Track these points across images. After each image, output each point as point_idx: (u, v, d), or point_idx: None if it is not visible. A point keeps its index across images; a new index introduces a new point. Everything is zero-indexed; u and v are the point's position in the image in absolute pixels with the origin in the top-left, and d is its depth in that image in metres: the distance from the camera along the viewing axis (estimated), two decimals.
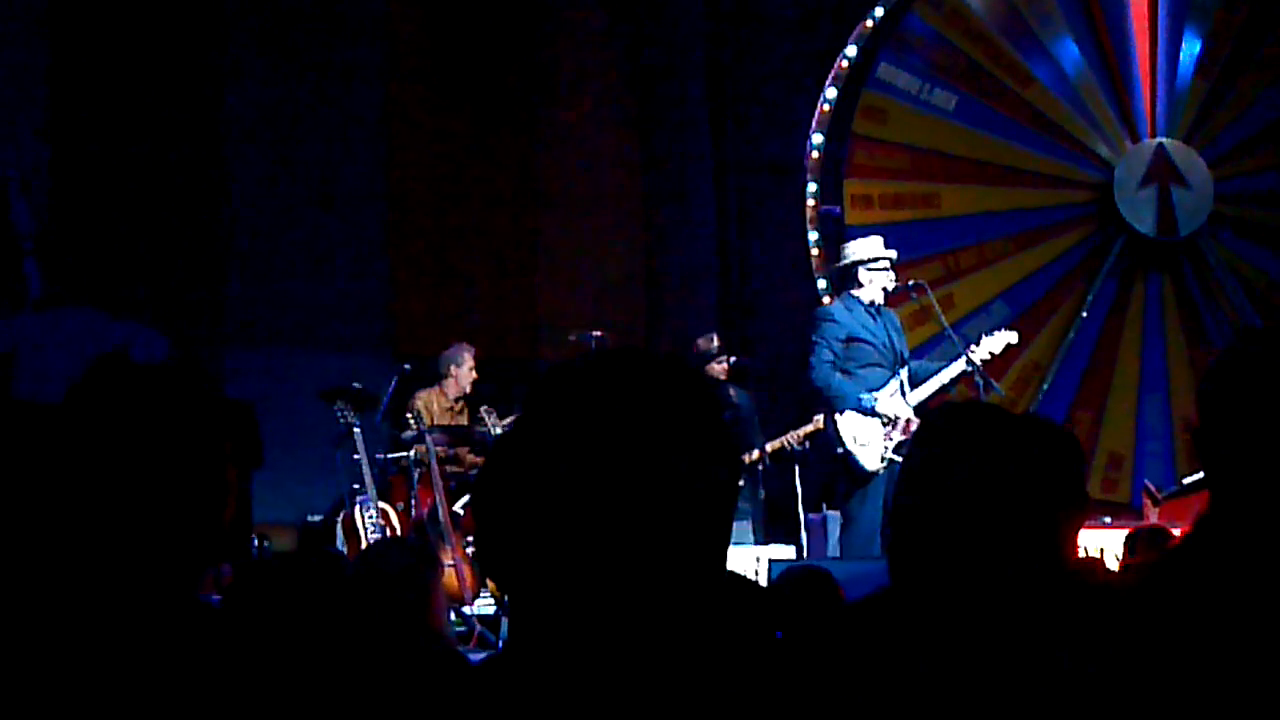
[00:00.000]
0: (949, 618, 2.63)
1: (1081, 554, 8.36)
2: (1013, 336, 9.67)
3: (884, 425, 9.31)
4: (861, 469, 9.31)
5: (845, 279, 9.72)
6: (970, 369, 9.54)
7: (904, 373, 9.52)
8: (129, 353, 7.86)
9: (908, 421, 9.33)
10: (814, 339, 9.42)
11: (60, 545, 2.31)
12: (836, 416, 9.35)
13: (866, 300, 9.56)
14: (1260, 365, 2.75)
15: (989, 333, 9.72)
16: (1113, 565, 8.54)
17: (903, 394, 9.45)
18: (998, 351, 9.60)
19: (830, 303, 9.92)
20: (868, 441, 9.30)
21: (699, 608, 1.93)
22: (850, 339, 9.44)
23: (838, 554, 9.87)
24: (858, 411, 9.32)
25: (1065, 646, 2.56)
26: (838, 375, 9.37)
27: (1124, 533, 9.15)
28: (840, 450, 9.34)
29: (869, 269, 9.58)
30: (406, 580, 4.94)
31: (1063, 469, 3.19)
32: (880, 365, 9.49)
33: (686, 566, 1.91)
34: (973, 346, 9.58)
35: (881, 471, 9.29)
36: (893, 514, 2.78)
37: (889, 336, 9.59)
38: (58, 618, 2.23)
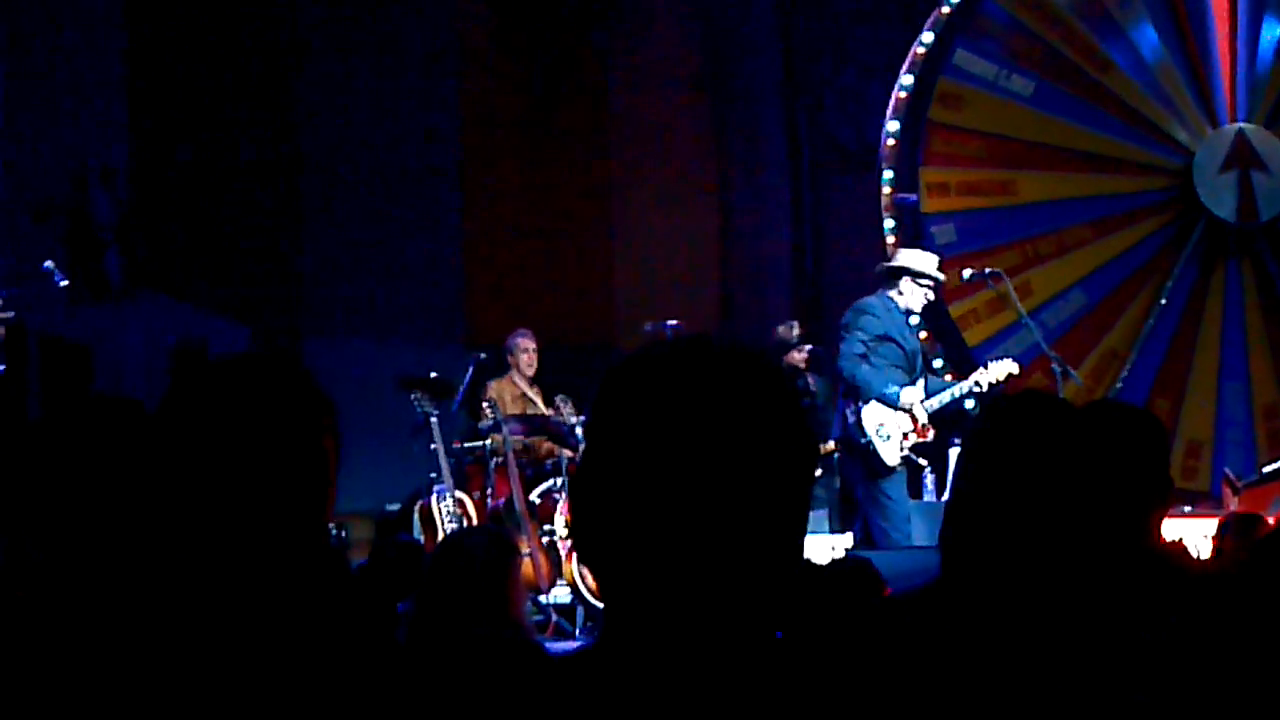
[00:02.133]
0: (1014, 608, 2.60)
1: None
2: (1014, 367, 9.55)
3: (906, 425, 9.29)
4: (881, 463, 9.29)
5: (890, 279, 9.65)
6: (976, 391, 9.49)
7: (920, 383, 9.50)
8: (208, 345, 7.93)
9: (924, 427, 9.32)
10: (849, 328, 9.41)
11: (158, 545, 2.32)
12: (862, 408, 9.32)
13: (904, 307, 9.54)
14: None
15: (996, 358, 9.64)
16: (1195, 553, 8.47)
17: (921, 402, 9.43)
18: (1001, 379, 9.49)
19: (871, 296, 9.84)
20: (889, 436, 9.29)
21: (777, 594, 1.92)
22: (883, 337, 9.41)
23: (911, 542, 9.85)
24: (881, 402, 9.29)
25: (1152, 628, 2.54)
26: (864, 365, 9.34)
27: (1204, 522, 9.09)
28: (863, 441, 9.31)
29: (916, 281, 9.54)
30: (487, 568, 4.95)
31: (1143, 452, 3.17)
32: (904, 369, 9.46)
33: (767, 552, 1.91)
34: (981, 369, 9.52)
35: (899, 469, 9.30)
36: (952, 503, 2.75)
37: (916, 346, 9.60)
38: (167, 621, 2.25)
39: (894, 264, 9.70)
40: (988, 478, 2.65)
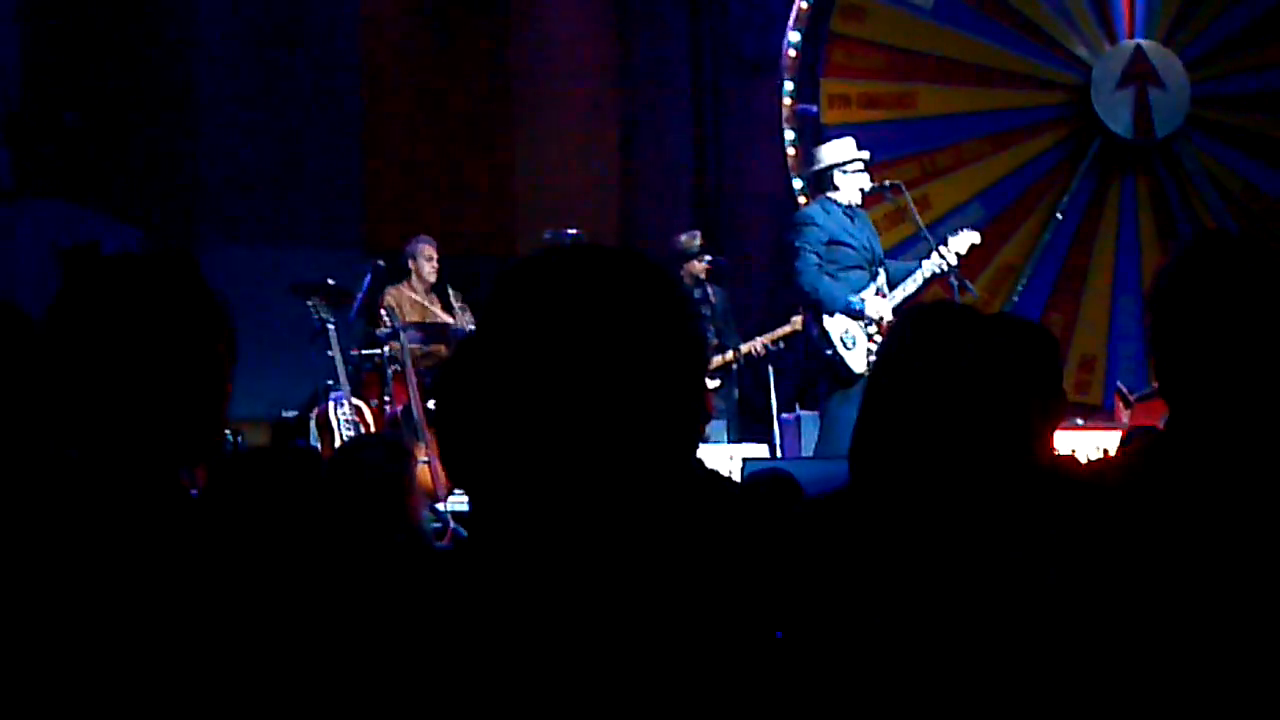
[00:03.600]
0: (912, 513, 2.64)
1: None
2: (975, 237, 9.65)
3: (867, 327, 9.32)
4: (848, 370, 9.30)
5: (820, 183, 9.68)
6: (943, 269, 9.54)
7: (881, 275, 9.52)
8: (100, 248, 7.81)
9: (888, 324, 9.33)
10: (796, 244, 9.37)
11: (54, 442, 2.30)
12: (825, 318, 9.32)
13: (844, 202, 9.53)
14: (1207, 271, 2.76)
15: (954, 233, 9.71)
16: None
17: (881, 295, 9.45)
18: (964, 251, 9.58)
19: (809, 204, 9.88)
20: (854, 343, 9.30)
21: (664, 501, 1.93)
22: (831, 242, 9.40)
23: (810, 455, 9.91)
24: (846, 314, 9.31)
25: (1034, 540, 2.58)
26: (825, 279, 9.34)
27: (1098, 434, 9.22)
28: (829, 352, 9.31)
29: (843, 171, 9.54)
30: (381, 476, 4.96)
31: (1036, 365, 3.21)
32: (860, 268, 9.47)
33: (652, 462, 1.92)
34: (940, 247, 9.56)
35: (865, 374, 9.28)
36: (860, 412, 2.79)
37: (866, 239, 9.57)
38: (55, 509, 2.23)
39: (819, 166, 9.69)
40: (894, 387, 2.69)
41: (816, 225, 9.39)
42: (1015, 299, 11.96)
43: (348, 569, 2.42)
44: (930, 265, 9.55)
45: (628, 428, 1.88)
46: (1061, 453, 3.40)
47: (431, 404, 10.28)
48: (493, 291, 1.94)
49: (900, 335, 2.82)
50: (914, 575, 2.51)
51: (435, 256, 11.02)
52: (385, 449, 5.26)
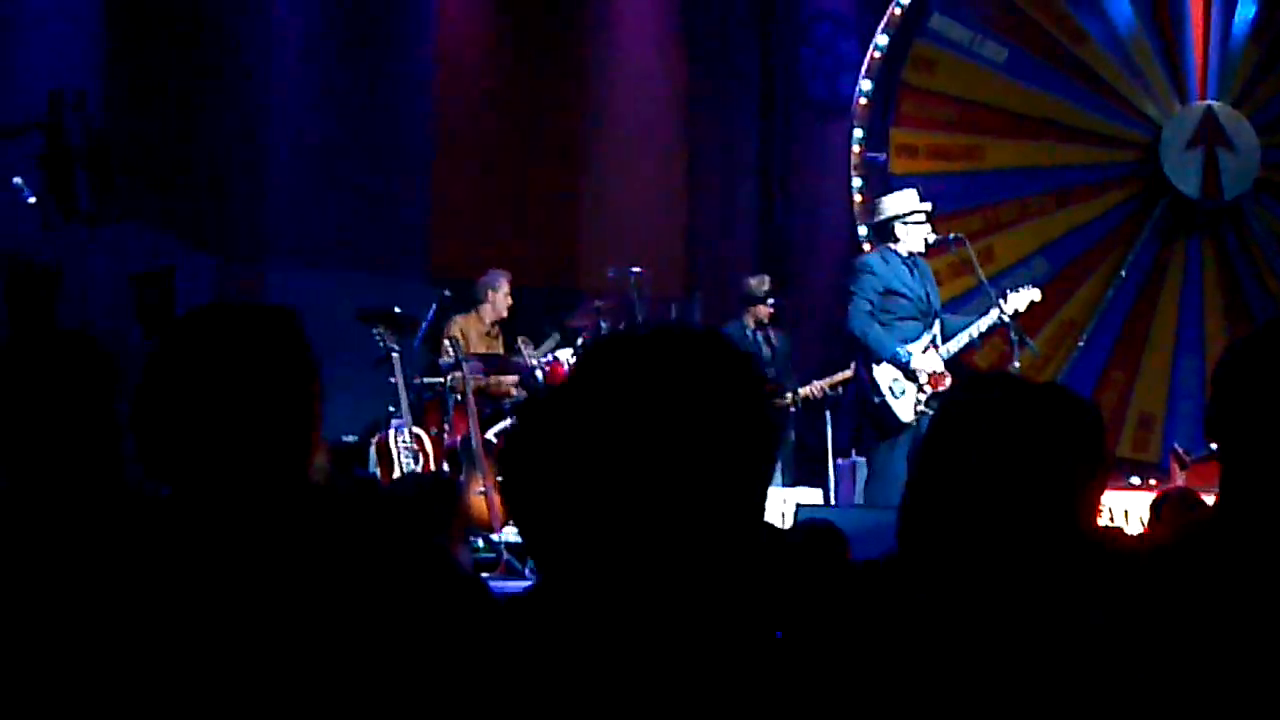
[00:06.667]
0: (958, 583, 2.70)
1: (1105, 520, 8.45)
2: (1036, 294, 9.65)
3: (916, 380, 9.35)
4: (895, 419, 9.33)
5: (882, 233, 9.74)
6: (1001, 322, 9.55)
7: (937, 326, 9.56)
8: (173, 274, 7.94)
9: (939, 375, 9.38)
10: (852, 289, 9.45)
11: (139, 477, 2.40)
12: (874, 367, 9.37)
13: (904, 253, 9.58)
14: (1274, 351, 2.84)
15: (1015, 289, 9.72)
16: (1137, 528, 8.62)
17: (935, 347, 9.49)
18: (1023, 308, 9.59)
19: (870, 251, 9.96)
20: (902, 392, 9.34)
21: (725, 563, 2.01)
22: (888, 291, 9.45)
23: (862, 501, 9.96)
24: (893, 364, 9.35)
25: (1080, 611, 2.63)
26: (875, 326, 9.39)
27: (1150, 495, 9.21)
28: (876, 400, 9.36)
29: (905, 223, 9.60)
30: (429, 517, 5.01)
31: (1080, 435, 3.26)
32: (915, 319, 9.51)
33: (720, 530, 2.00)
34: (1000, 302, 9.58)
35: (913, 424, 9.32)
36: (908, 481, 2.84)
37: (924, 290, 9.61)
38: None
39: (881, 217, 9.75)
40: (943, 456, 2.75)
41: (873, 273, 9.46)
42: (1076, 356, 11.97)
43: (394, 597, 2.50)
44: (988, 320, 9.57)
45: (695, 502, 1.96)
46: (1108, 524, 3.44)
47: (493, 434, 10.38)
48: (580, 361, 2.04)
49: (951, 401, 2.88)
50: (954, 649, 2.56)
51: (509, 292, 11.12)
52: (435, 484, 5.33)
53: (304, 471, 2.48)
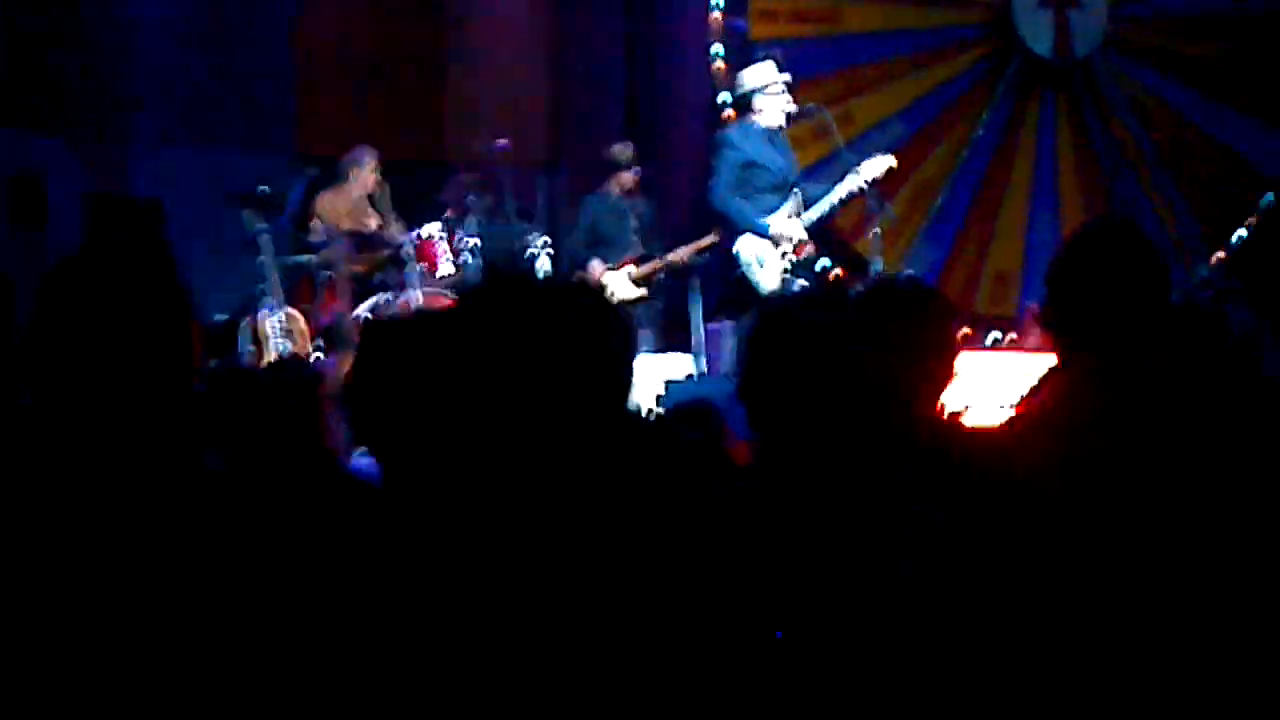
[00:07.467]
0: (799, 499, 2.85)
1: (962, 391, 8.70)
2: (891, 161, 9.88)
3: (778, 247, 9.58)
4: (759, 290, 9.59)
5: (744, 105, 9.92)
6: (859, 191, 9.79)
7: (797, 196, 9.78)
8: (45, 174, 7.91)
9: (802, 243, 9.64)
10: (714, 163, 9.67)
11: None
12: (738, 239, 9.61)
13: (765, 126, 9.78)
14: (1097, 255, 3.09)
15: (872, 154, 9.96)
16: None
17: (796, 216, 9.71)
18: (879, 175, 9.82)
19: (730, 124, 10.14)
20: (765, 262, 9.57)
21: (587, 459, 2.22)
22: (748, 164, 9.67)
23: (730, 368, 10.19)
24: (754, 234, 9.58)
25: (891, 528, 2.79)
26: (736, 199, 9.62)
27: (1009, 357, 9.42)
28: (740, 271, 9.60)
29: (764, 94, 9.79)
30: (295, 409, 5.10)
31: (914, 329, 3.47)
32: (775, 190, 9.74)
33: (574, 441, 2.21)
34: (857, 169, 9.81)
35: (778, 292, 9.58)
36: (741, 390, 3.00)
37: (784, 162, 9.84)
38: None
39: (741, 90, 9.94)
40: (767, 372, 2.91)
41: (735, 147, 9.68)
42: (934, 215, 12.21)
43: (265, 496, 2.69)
44: (845, 187, 9.80)
45: (555, 430, 2.17)
46: (952, 421, 3.63)
47: (364, 310, 10.46)
48: (465, 299, 2.25)
49: (759, 330, 3.03)
50: (788, 561, 2.73)
51: (378, 167, 11.14)
52: (303, 373, 5.40)
53: (186, 388, 2.63)
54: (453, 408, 2.16)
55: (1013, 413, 3.40)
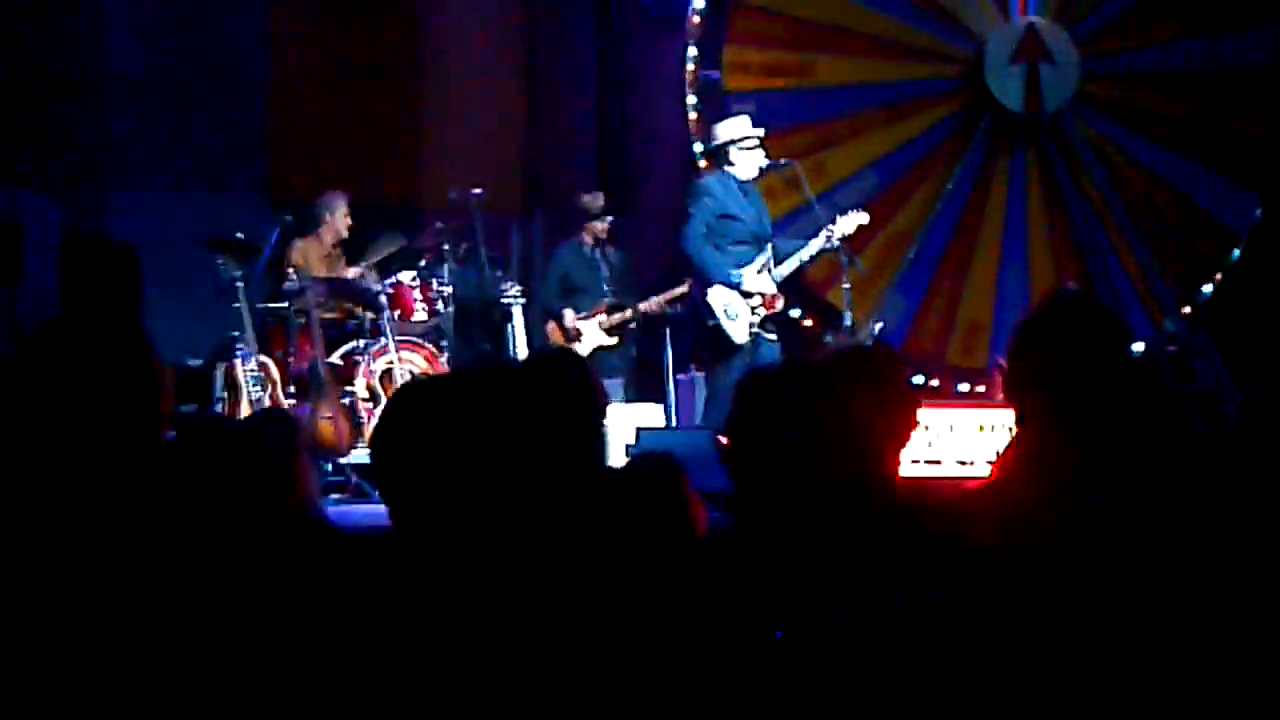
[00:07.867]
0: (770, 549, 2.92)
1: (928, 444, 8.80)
2: (864, 218, 10.02)
3: (748, 300, 9.66)
4: (729, 341, 9.67)
5: (719, 158, 10.02)
6: (830, 247, 9.92)
7: (769, 249, 9.87)
8: (20, 220, 7.94)
9: (773, 297, 9.73)
10: (691, 209, 9.75)
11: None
12: (709, 290, 9.68)
13: (740, 178, 9.89)
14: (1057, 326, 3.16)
15: (844, 212, 10.07)
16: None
17: (768, 270, 9.80)
18: (851, 232, 9.95)
19: (709, 173, 10.24)
20: (736, 315, 9.64)
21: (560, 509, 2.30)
22: (723, 215, 9.76)
23: (701, 420, 10.27)
24: (726, 286, 9.66)
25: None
26: (709, 249, 9.70)
27: (978, 412, 9.48)
28: (710, 322, 9.68)
29: (739, 148, 9.90)
30: (274, 459, 5.13)
31: (874, 391, 3.53)
32: (748, 243, 9.83)
33: (557, 495, 2.29)
34: (829, 226, 9.93)
35: (747, 345, 9.66)
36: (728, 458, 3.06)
37: (757, 216, 9.94)
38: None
39: (715, 143, 10.05)
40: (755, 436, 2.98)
41: (712, 196, 9.76)
42: (905, 268, 12.29)
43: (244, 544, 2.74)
44: (816, 244, 9.93)
45: (537, 477, 2.26)
46: (917, 487, 3.70)
47: (337, 357, 10.49)
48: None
49: (745, 393, 3.11)
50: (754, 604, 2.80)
51: (348, 213, 11.21)
52: (277, 423, 5.44)
53: (155, 437, 2.68)
54: (475, 469, 2.28)
55: (982, 477, 3.48)
